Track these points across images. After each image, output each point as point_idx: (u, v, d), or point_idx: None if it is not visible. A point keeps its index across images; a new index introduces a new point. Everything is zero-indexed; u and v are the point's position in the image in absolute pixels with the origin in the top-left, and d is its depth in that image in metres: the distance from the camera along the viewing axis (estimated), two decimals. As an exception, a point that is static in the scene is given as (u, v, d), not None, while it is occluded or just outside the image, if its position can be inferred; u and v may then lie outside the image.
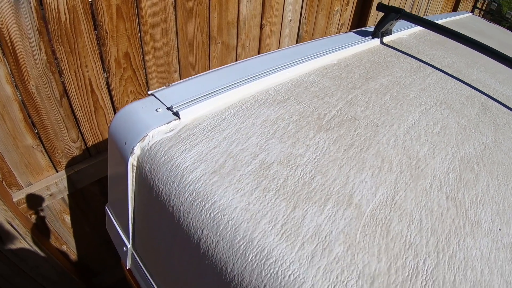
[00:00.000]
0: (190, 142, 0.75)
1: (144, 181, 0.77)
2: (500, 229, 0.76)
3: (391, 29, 1.34)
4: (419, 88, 1.09)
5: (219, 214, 0.62)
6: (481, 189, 0.83)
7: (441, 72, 1.22)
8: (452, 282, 0.63)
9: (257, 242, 0.57)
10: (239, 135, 0.79)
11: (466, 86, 1.20)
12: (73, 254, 1.68)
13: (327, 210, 0.65)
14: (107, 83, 1.43)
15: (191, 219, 0.66)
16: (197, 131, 0.78)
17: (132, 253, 1.02)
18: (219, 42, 1.62)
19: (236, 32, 1.65)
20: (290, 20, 1.91)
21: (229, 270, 0.58)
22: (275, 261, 0.54)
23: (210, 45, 1.58)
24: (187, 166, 0.70)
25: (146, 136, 0.76)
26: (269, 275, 0.54)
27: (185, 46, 1.51)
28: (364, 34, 1.32)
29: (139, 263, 0.99)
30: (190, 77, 0.97)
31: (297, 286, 0.52)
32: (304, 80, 1.01)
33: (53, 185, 1.43)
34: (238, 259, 0.57)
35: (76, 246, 1.68)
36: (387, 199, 0.72)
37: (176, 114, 0.81)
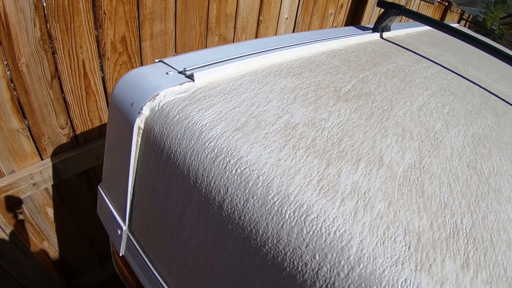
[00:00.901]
0: (206, 102, 0.70)
1: (153, 144, 0.70)
2: None
3: (390, 26, 1.38)
4: (423, 76, 1.10)
5: (247, 169, 0.56)
6: (496, 163, 0.82)
7: (440, 66, 1.25)
8: (490, 241, 0.60)
9: (294, 198, 0.52)
10: (259, 99, 0.74)
11: (464, 79, 1.23)
12: (54, 251, 1.50)
13: (361, 169, 0.61)
14: (101, 67, 1.35)
15: (212, 177, 0.59)
16: (213, 93, 0.73)
17: (128, 237, 0.91)
18: (216, 34, 1.60)
19: (233, 25, 1.64)
20: (286, 19, 1.94)
21: (261, 233, 0.52)
22: (317, 216, 0.50)
23: (207, 36, 1.56)
24: (206, 123, 0.64)
25: (157, 95, 0.70)
26: (311, 233, 0.49)
27: (183, 35, 1.47)
28: (364, 29, 1.35)
29: (135, 247, 0.89)
30: (199, 50, 0.93)
31: (344, 242, 0.47)
32: (315, 59, 1.00)
33: (37, 173, 1.29)
34: (273, 217, 0.52)
35: (58, 243, 1.51)
36: (415, 163, 0.69)
37: (190, 76, 0.76)
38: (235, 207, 0.56)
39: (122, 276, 1.05)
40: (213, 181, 0.59)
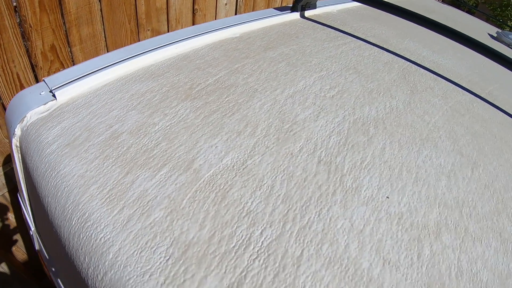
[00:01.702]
0: (58, 120, 0.72)
1: (23, 160, 0.76)
2: (388, 197, 0.62)
3: (315, 3, 1.22)
4: (326, 56, 0.97)
5: (60, 181, 0.60)
6: (372, 153, 0.69)
7: (361, 41, 1.09)
8: (296, 257, 0.51)
9: (81, 206, 0.55)
10: (103, 109, 0.74)
11: (389, 53, 1.06)
12: (22, 253, 1.61)
13: (159, 176, 0.59)
14: (35, 77, 1.39)
15: (43, 190, 0.63)
16: (69, 109, 0.74)
17: (37, 236, 0.99)
18: (148, 29, 1.56)
19: (166, 18, 1.58)
20: (226, 4, 1.82)
21: (62, 234, 0.57)
22: (92, 224, 0.52)
23: (139, 33, 1.52)
24: (48, 141, 0.67)
25: (25, 117, 0.74)
26: (85, 238, 0.52)
27: (113, 35, 1.46)
28: (284, 9, 1.22)
29: (41, 245, 0.96)
30: (86, 61, 0.93)
31: (105, 249, 0.49)
32: (193, 53, 0.92)
33: (-10, 183, 1.38)
34: (66, 223, 0.56)
35: (25, 245, 1.61)
36: (236, 164, 0.62)
37: (54, 95, 0.78)
38: (52, 213, 0.59)
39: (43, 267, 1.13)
40: (41, 192, 0.63)
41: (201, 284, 0.45)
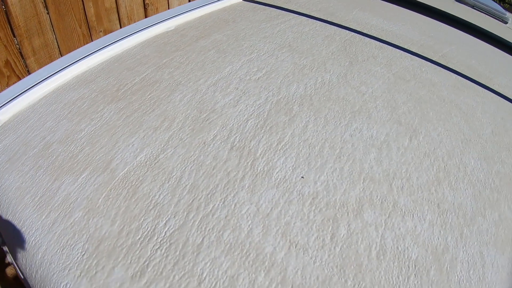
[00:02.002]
0: (0, 138, 0.73)
1: None
2: (303, 177, 0.60)
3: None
4: (261, 37, 0.93)
5: (2, 195, 0.62)
6: (292, 133, 0.67)
7: (304, 17, 1.05)
8: (197, 245, 0.51)
9: (18, 215, 0.58)
10: (39, 123, 0.75)
11: (332, 26, 1.02)
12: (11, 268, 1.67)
13: (81, 179, 0.61)
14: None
15: None
16: (10, 126, 0.76)
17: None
18: (100, 31, 1.54)
19: (117, 17, 1.56)
20: None
21: (8, 242, 0.60)
22: (26, 229, 0.57)
23: (91, 35, 1.51)
24: None
25: None
26: (22, 243, 0.57)
27: (65, 42, 1.45)
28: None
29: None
30: (26, 77, 0.94)
31: (35, 250, 0.53)
32: (125, 54, 0.91)
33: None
34: (10, 232, 0.58)
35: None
36: (149, 159, 0.62)
37: None
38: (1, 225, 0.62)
39: None
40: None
41: (109, 275, 0.48)
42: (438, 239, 0.59)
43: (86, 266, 0.49)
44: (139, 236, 0.51)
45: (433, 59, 1.05)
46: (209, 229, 0.52)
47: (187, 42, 0.92)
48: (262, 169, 0.60)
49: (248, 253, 0.50)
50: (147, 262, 0.49)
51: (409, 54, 1.02)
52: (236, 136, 0.65)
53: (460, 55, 1.14)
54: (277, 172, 0.59)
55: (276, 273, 0.49)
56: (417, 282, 0.52)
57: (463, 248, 0.60)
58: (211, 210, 0.54)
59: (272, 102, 0.72)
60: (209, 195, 0.56)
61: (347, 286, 0.48)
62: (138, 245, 0.51)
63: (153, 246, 0.50)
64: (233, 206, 0.55)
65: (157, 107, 0.72)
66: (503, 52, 1.24)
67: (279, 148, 0.63)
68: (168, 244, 0.51)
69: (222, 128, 0.66)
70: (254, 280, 0.48)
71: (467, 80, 1.03)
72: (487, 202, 0.71)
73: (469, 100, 0.97)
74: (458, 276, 0.55)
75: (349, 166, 0.62)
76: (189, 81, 0.78)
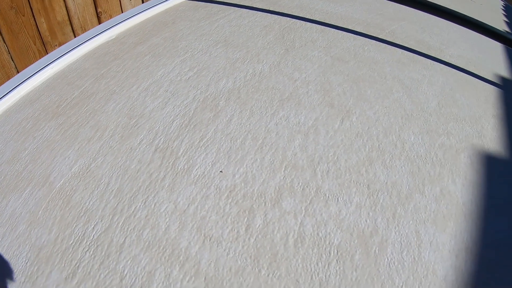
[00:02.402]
0: None
1: None
2: (221, 171, 0.62)
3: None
4: (197, 35, 0.94)
5: None
6: (215, 128, 0.69)
7: (244, 9, 1.05)
8: (120, 245, 0.55)
9: None
10: None
11: (273, 15, 1.01)
12: None
13: (25, 194, 0.64)
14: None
15: None
16: None
17: None
18: (55, 45, 1.56)
19: (71, 29, 1.57)
20: (130, 0, 1.78)
21: None
22: None
23: (47, 50, 1.54)
24: None
25: None
26: None
27: (22, 60, 1.48)
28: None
29: None
30: None
31: None
32: (67, 69, 0.93)
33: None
34: None
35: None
36: (82, 169, 0.66)
37: None
38: None
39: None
40: None
41: (48, 278, 0.52)
42: (366, 221, 0.59)
43: (29, 273, 0.53)
44: (72, 241, 0.55)
45: (379, 37, 1.04)
46: (130, 230, 0.55)
47: (125, 49, 0.93)
48: (182, 168, 0.62)
49: (164, 249, 0.53)
50: (77, 264, 0.53)
51: (353, 35, 1.01)
52: (161, 138, 0.67)
53: (410, 30, 1.13)
54: (196, 169, 0.61)
55: (190, 266, 0.51)
56: (339, 267, 0.52)
57: (395, 228, 0.59)
58: (133, 212, 0.57)
59: (199, 100, 0.73)
60: (132, 198, 0.59)
61: (261, 276, 0.50)
62: (71, 249, 0.55)
63: (83, 249, 0.54)
64: (153, 205, 0.57)
65: (92, 119, 0.74)
66: (457, 25, 1.21)
67: (201, 145, 0.65)
68: (96, 246, 0.54)
69: (148, 132, 0.68)
70: (169, 274, 0.51)
71: (414, 54, 1.02)
72: (426, 178, 0.70)
73: (415, 74, 0.96)
74: (388, 259, 0.55)
75: (271, 155, 0.64)
76: (123, 89, 0.80)
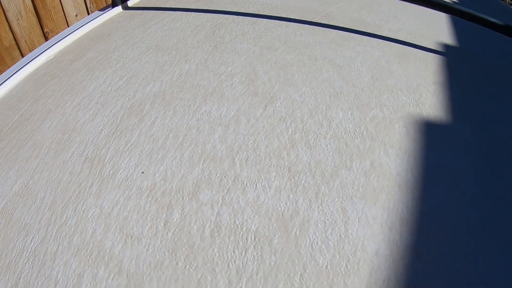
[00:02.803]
0: None
1: None
2: (143, 172, 0.65)
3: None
4: (130, 44, 0.97)
5: None
6: (139, 132, 0.73)
7: (178, 12, 1.07)
8: (53, 253, 0.59)
9: None
10: None
11: (206, 14, 1.04)
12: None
13: None
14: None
15: None
16: None
17: None
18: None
19: (19, 53, 1.60)
20: (76, 15, 1.79)
21: None
22: None
23: None
24: None
25: None
26: None
27: None
28: (111, 6, 1.20)
29: None
30: None
31: None
32: (9, 94, 0.96)
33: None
34: None
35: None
36: (21, 188, 0.70)
37: None
38: None
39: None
40: None
41: None
42: (286, 204, 0.59)
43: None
44: (14, 255, 0.60)
45: (313, 21, 1.06)
46: (62, 237, 0.60)
47: (62, 68, 0.97)
48: (108, 173, 0.66)
49: (91, 252, 0.57)
50: (19, 275, 0.57)
51: (286, 22, 1.03)
52: (90, 149, 0.71)
53: (348, 10, 1.14)
54: (120, 173, 0.65)
55: (113, 265, 0.55)
56: (257, 253, 0.54)
57: (318, 208, 0.59)
58: (64, 220, 0.62)
59: (127, 107, 0.77)
60: (63, 208, 0.63)
61: (178, 268, 0.54)
62: (13, 262, 0.59)
63: (23, 261, 0.59)
64: (81, 212, 0.62)
65: (30, 139, 0.78)
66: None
67: (126, 149, 0.69)
68: (34, 256, 0.59)
69: (79, 144, 0.72)
70: (96, 275, 0.55)
71: (349, 33, 1.03)
72: (355, 153, 0.70)
73: (349, 52, 0.97)
74: (310, 240, 0.55)
75: (190, 151, 0.67)
76: (58, 107, 0.83)
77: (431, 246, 0.56)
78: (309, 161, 0.66)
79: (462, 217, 0.62)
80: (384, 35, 1.10)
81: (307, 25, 1.03)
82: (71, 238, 0.60)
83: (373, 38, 1.07)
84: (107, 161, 0.68)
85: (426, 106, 0.87)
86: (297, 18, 1.06)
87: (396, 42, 1.09)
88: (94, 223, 0.60)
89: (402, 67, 0.98)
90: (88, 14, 1.87)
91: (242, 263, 0.54)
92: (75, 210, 0.63)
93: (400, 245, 0.55)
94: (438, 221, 0.60)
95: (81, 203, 0.63)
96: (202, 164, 0.65)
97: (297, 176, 0.63)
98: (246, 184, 0.62)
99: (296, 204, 0.59)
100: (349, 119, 0.77)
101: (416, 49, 1.09)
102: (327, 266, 0.52)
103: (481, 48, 1.18)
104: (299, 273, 0.52)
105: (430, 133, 0.81)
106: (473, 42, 1.21)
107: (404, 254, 0.54)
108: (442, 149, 0.76)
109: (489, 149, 0.77)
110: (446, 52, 1.13)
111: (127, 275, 0.55)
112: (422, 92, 0.92)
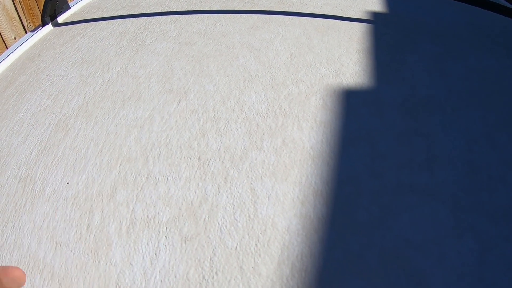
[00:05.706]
0: None
1: None
2: (68, 183, 0.69)
3: (65, 5, 1.20)
4: (58, 61, 0.99)
5: None
6: (64, 145, 0.76)
7: (104, 21, 1.08)
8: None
9: None
10: None
11: (130, 19, 1.05)
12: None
13: None
14: None
15: None
16: None
17: None
18: None
19: None
20: (15, 38, 1.79)
21: None
22: None
23: None
24: None
25: None
26: None
27: None
28: (41, 26, 1.21)
29: None
30: None
31: None
32: None
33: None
34: None
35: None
36: None
37: None
38: None
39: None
40: None
41: None
42: (195, 192, 0.61)
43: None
44: None
45: (236, 9, 1.06)
46: (4, 255, 0.65)
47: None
48: (38, 190, 0.70)
49: (29, 263, 0.62)
50: None
51: (207, 15, 1.03)
52: (23, 169, 0.75)
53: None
54: (49, 187, 0.70)
55: (47, 272, 0.60)
56: (168, 243, 0.57)
57: (226, 192, 0.60)
58: (5, 239, 0.67)
59: (54, 124, 0.81)
60: (3, 228, 0.68)
61: (100, 267, 0.58)
62: None
63: None
64: (18, 229, 0.67)
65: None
66: None
67: (53, 164, 0.73)
68: None
69: (14, 166, 0.77)
70: (33, 284, 0.60)
71: (271, 15, 1.04)
72: (266, 133, 0.71)
73: (268, 34, 0.98)
74: (219, 224, 0.57)
75: (109, 156, 0.71)
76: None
77: (347, 215, 0.56)
78: (219, 147, 0.68)
79: (382, 180, 0.61)
80: (307, 12, 1.10)
81: (228, 15, 1.03)
82: (12, 254, 0.65)
83: (295, 17, 1.07)
84: (38, 178, 0.73)
85: (347, 75, 0.88)
86: (220, 8, 1.06)
87: (319, 17, 1.09)
88: (29, 237, 0.66)
89: (323, 41, 0.98)
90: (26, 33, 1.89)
91: (155, 254, 0.57)
92: (13, 228, 0.68)
93: (314, 218, 0.56)
94: (355, 188, 0.60)
95: (18, 220, 0.68)
96: (119, 166, 0.69)
97: (207, 164, 0.66)
98: (158, 179, 0.65)
99: (205, 191, 0.61)
100: (262, 100, 0.78)
101: (341, 21, 1.08)
102: (236, 247, 0.54)
103: (412, 11, 1.16)
104: (209, 257, 0.54)
105: (349, 101, 0.81)
106: (403, 6, 1.20)
107: (318, 227, 0.55)
108: (362, 115, 0.77)
109: (412, 107, 0.77)
110: (373, 19, 1.11)
111: (58, 279, 0.60)
112: (344, 61, 0.92)
